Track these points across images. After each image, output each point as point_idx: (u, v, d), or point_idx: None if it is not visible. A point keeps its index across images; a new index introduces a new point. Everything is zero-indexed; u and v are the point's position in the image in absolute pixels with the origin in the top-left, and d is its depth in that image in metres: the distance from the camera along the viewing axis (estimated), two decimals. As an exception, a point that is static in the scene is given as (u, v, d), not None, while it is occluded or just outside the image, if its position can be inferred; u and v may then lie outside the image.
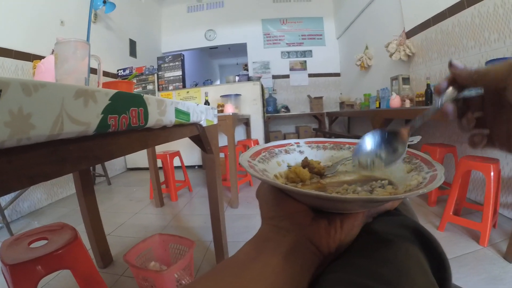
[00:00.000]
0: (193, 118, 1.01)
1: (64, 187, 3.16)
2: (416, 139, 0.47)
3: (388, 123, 2.81)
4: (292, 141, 0.49)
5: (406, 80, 3.21)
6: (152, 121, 0.69)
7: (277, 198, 0.35)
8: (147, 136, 0.73)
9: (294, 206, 0.33)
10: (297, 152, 0.48)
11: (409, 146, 0.44)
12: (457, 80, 0.32)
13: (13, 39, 2.57)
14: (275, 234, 0.32)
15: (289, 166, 0.44)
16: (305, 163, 0.43)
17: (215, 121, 1.35)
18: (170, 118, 0.80)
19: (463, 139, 2.40)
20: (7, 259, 0.88)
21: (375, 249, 0.31)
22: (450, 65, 0.33)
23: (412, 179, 0.36)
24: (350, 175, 0.43)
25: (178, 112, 0.86)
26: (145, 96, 0.66)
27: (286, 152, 0.46)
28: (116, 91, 0.55)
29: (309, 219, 0.32)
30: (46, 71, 0.94)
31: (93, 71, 0.89)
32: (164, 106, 0.76)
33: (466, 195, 2.11)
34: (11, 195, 2.41)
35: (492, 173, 1.61)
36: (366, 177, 0.42)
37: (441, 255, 0.33)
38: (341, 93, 5.69)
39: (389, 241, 0.31)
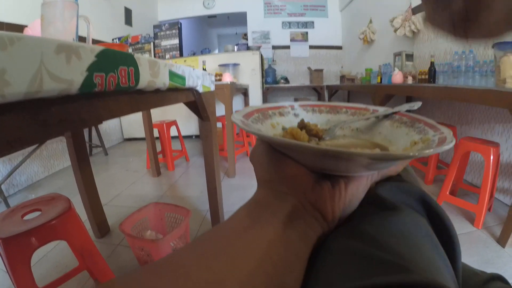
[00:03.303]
0: (188, 83, 0.97)
1: (60, 159, 3.13)
2: (417, 105, 0.44)
3: (389, 99, 2.77)
4: (286, 103, 0.45)
5: (409, 57, 3.14)
6: (143, 82, 0.64)
7: (274, 160, 0.31)
8: (139, 98, 0.69)
9: (293, 168, 0.29)
10: (292, 115, 0.44)
11: (409, 112, 0.41)
12: None
13: (3, 12, 2.47)
14: (273, 198, 0.28)
15: (284, 128, 0.41)
16: (302, 125, 0.39)
17: (212, 88, 1.30)
18: (163, 81, 0.76)
19: (464, 120, 2.38)
20: (0, 232, 0.88)
21: (383, 217, 0.27)
22: None
23: (417, 143, 0.33)
24: (349, 139, 0.41)
25: (172, 75, 0.81)
26: (136, 55, 0.61)
27: (280, 114, 0.43)
28: (103, 47, 0.51)
29: (311, 181, 0.29)
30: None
31: (82, 40, 0.84)
32: (157, 68, 0.71)
33: (463, 176, 2.11)
34: (7, 168, 2.39)
35: (491, 157, 1.60)
36: (366, 141, 0.40)
37: (450, 230, 0.30)
38: (342, 67, 5.60)
39: (396, 209, 0.28)
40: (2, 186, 2.20)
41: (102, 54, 0.50)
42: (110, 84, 0.52)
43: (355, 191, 0.29)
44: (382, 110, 0.43)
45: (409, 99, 3.17)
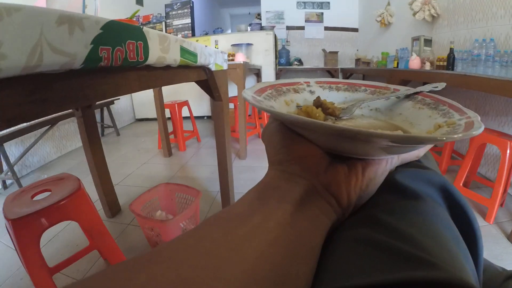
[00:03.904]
0: (200, 60, 0.94)
1: (73, 139, 3.17)
2: (441, 85, 0.41)
3: (405, 85, 2.68)
4: (301, 80, 0.43)
5: (428, 42, 3.03)
6: (153, 57, 0.62)
7: (287, 139, 0.29)
8: (148, 75, 0.67)
9: (307, 148, 0.27)
10: (307, 92, 0.42)
11: (432, 93, 0.39)
12: None
13: None
14: (285, 180, 0.26)
15: (298, 106, 0.38)
16: (318, 103, 0.36)
17: (225, 67, 1.27)
18: (174, 57, 0.73)
19: (481, 110, 2.31)
20: (9, 213, 0.88)
21: (403, 206, 0.25)
22: None
23: (442, 126, 0.30)
24: (368, 120, 0.38)
25: (183, 51, 0.78)
26: (145, 28, 0.58)
27: (295, 91, 0.41)
28: (109, 19, 0.48)
29: (325, 163, 0.27)
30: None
31: None
32: (167, 43, 0.68)
33: (477, 169, 2.06)
34: (20, 149, 2.43)
35: (508, 150, 1.55)
36: (385, 122, 0.38)
37: (473, 223, 0.28)
38: (357, 50, 5.45)
39: (418, 198, 0.26)
40: (15, 167, 2.23)
41: (108, 26, 0.47)
42: (117, 59, 0.50)
43: (373, 175, 0.27)
44: (403, 89, 0.41)
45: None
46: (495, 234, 1.49)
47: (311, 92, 0.42)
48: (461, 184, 1.78)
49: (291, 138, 0.28)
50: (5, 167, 2.19)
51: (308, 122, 0.22)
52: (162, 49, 0.65)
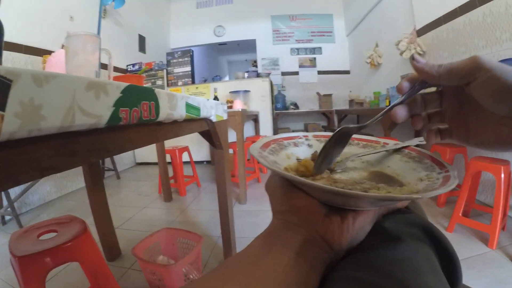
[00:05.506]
0: (203, 113, 1.00)
1: (73, 180, 3.19)
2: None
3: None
4: (301, 134, 0.48)
5: (416, 79, 3.16)
6: (163, 115, 0.68)
7: (288, 192, 0.34)
8: (158, 130, 0.73)
9: (306, 201, 0.32)
10: (305, 145, 0.47)
11: (418, 146, 0.43)
12: (421, 74, 0.33)
13: (22, 34, 2.59)
14: (287, 229, 0.31)
15: (298, 160, 0.43)
16: (315, 157, 0.41)
17: (225, 117, 1.34)
18: (180, 113, 0.80)
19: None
20: (16, 250, 0.89)
21: (386, 247, 0.30)
22: (413, 58, 0.32)
23: (423, 180, 0.35)
24: (359, 172, 0.43)
25: (188, 106, 0.86)
26: (156, 90, 0.66)
27: (295, 145, 0.46)
28: (127, 84, 0.55)
29: (321, 214, 0.31)
30: (56, 65, 0.95)
31: (103, 66, 0.89)
32: (175, 101, 0.75)
33: (475, 197, 2.08)
34: (21, 187, 2.44)
35: (502, 175, 1.59)
36: (375, 173, 0.42)
37: (452, 255, 0.32)
38: (350, 91, 5.63)
39: (400, 239, 0.31)
40: (15, 204, 2.24)
41: (126, 90, 0.54)
42: (133, 118, 0.56)
43: (362, 224, 0.32)
44: (392, 143, 0.46)
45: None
46: (499, 259, 1.48)
47: (309, 145, 0.47)
48: (460, 214, 1.78)
49: (292, 191, 0.34)
50: (5, 202, 2.21)
51: (307, 183, 0.27)
52: (170, 106, 0.72)
